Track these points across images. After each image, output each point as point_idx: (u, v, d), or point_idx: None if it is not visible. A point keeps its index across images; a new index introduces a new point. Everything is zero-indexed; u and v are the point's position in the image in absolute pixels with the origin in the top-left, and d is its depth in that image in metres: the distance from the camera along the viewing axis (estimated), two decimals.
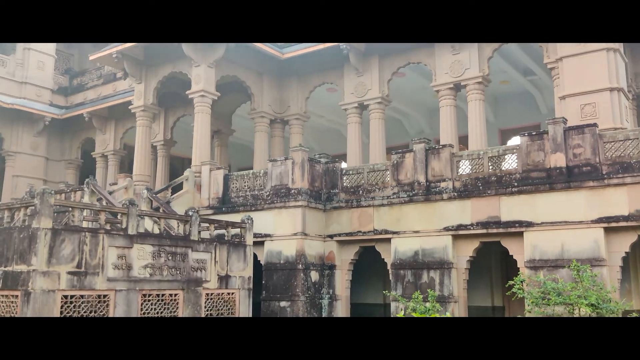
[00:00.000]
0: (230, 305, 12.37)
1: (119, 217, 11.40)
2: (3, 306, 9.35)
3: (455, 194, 12.90)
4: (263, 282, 14.25)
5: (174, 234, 11.61)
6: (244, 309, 12.64)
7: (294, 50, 18.09)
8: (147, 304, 10.60)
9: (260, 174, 15.23)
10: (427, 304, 11.33)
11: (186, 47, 16.52)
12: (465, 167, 13.13)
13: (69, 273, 9.45)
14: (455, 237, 12.88)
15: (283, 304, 13.86)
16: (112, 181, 22.25)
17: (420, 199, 13.33)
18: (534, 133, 12.42)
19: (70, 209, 10.17)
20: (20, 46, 24.42)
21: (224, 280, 12.26)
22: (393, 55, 17.32)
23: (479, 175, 12.83)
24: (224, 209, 15.39)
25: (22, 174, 23.98)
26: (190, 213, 11.75)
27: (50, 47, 25.18)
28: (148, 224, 11.71)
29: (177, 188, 16.34)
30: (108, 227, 10.28)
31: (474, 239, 12.78)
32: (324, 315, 14.24)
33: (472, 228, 12.63)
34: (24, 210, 9.63)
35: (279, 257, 14.27)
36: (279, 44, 18.30)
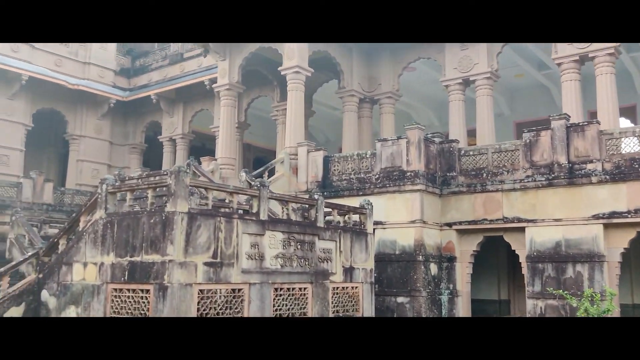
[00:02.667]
0: (355, 301, 11.04)
1: (227, 200, 10.17)
2: (130, 302, 8.16)
3: (607, 176, 11.34)
4: (375, 274, 12.90)
5: (300, 221, 10.30)
6: (367, 306, 11.31)
7: None
8: (278, 300, 9.33)
9: (367, 155, 13.85)
10: (584, 302, 9.86)
11: None
12: (617, 147, 11.53)
13: (205, 264, 8.20)
14: (607, 226, 11.34)
15: (400, 299, 12.51)
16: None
17: (562, 183, 11.80)
18: None
19: (201, 190, 8.92)
20: None
21: (349, 272, 10.94)
22: None
23: (636, 156, 11.24)
24: (325, 193, 14.02)
25: (86, 159, 23.07)
26: (316, 197, 10.43)
27: None
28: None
29: (270, 172, 15.08)
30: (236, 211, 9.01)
31: (629, 229, 11.22)
32: (444, 313, 12.86)
33: (628, 216, 11.08)
34: (151, 191, 8.40)
35: (393, 247, 12.91)
36: None
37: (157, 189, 8.44)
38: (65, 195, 20.18)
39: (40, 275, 9.41)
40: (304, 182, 14.61)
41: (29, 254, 9.62)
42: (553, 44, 15.22)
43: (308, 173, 14.61)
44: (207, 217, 8.31)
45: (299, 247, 9.83)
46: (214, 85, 17.62)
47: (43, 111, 22.07)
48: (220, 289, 8.39)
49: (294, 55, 15.44)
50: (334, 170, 14.32)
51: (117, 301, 8.33)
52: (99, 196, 8.84)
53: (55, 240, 9.45)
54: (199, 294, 8.09)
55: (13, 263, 9.90)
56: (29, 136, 21.48)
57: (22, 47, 21.00)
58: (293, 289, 9.66)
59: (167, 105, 22.95)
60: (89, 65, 23.13)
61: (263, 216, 9.19)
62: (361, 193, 13.46)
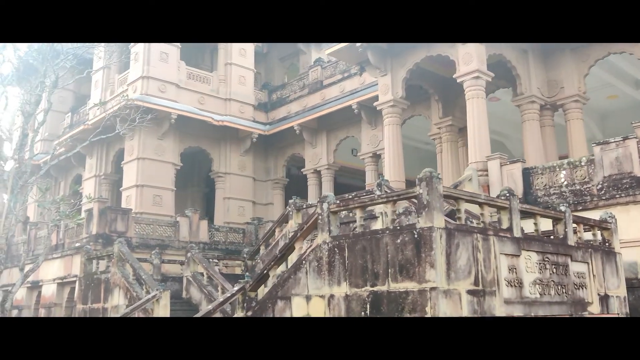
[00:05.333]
0: None
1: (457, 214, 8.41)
2: None
3: None
4: None
5: (552, 238, 8.37)
6: None
7: None
8: None
9: (582, 163, 11.69)
10: None
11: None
12: None
13: (469, 292, 6.47)
14: None
15: None
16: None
17: None
18: None
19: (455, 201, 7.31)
20: (221, 62, 23.21)
21: (604, 301, 8.77)
22: None
23: None
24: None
25: (231, 196, 22.46)
26: (563, 208, 8.45)
27: (249, 62, 23.76)
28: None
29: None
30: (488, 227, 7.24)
31: None
32: None
33: None
34: (391, 206, 6.86)
35: (634, 271, 10.53)
36: None
37: (399, 204, 6.90)
38: (219, 233, 19.54)
39: (249, 313, 8.11)
40: None
41: (235, 289, 8.39)
42: None
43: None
44: (464, 234, 6.61)
45: (554, 270, 7.88)
46: (375, 103, 16.21)
47: (188, 150, 21.84)
48: None
49: (472, 59, 13.73)
50: (538, 183, 12.25)
51: None
52: (320, 217, 7.43)
53: (265, 272, 8.15)
54: None
55: (220, 300, 8.72)
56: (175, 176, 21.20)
57: (169, 87, 20.97)
58: None
59: (309, 135, 21.98)
60: (230, 101, 22.76)
61: (516, 233, 7.37)
62: (580, 208, 11.28)
